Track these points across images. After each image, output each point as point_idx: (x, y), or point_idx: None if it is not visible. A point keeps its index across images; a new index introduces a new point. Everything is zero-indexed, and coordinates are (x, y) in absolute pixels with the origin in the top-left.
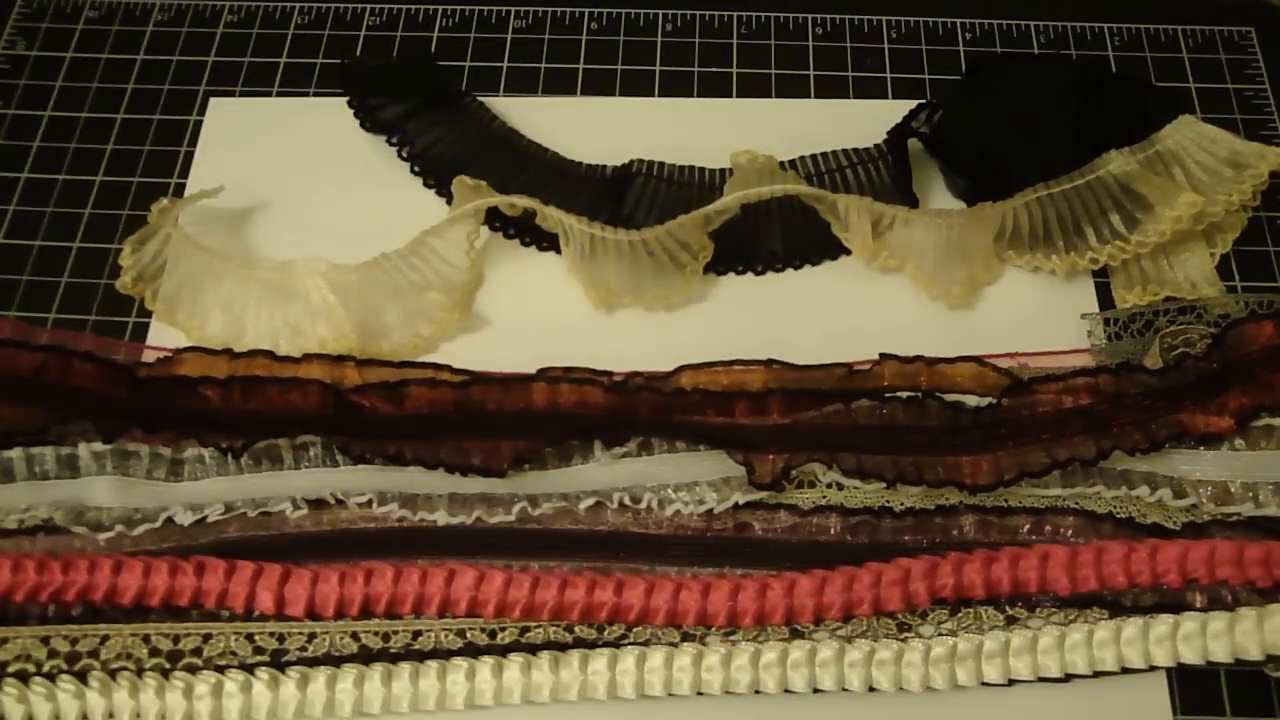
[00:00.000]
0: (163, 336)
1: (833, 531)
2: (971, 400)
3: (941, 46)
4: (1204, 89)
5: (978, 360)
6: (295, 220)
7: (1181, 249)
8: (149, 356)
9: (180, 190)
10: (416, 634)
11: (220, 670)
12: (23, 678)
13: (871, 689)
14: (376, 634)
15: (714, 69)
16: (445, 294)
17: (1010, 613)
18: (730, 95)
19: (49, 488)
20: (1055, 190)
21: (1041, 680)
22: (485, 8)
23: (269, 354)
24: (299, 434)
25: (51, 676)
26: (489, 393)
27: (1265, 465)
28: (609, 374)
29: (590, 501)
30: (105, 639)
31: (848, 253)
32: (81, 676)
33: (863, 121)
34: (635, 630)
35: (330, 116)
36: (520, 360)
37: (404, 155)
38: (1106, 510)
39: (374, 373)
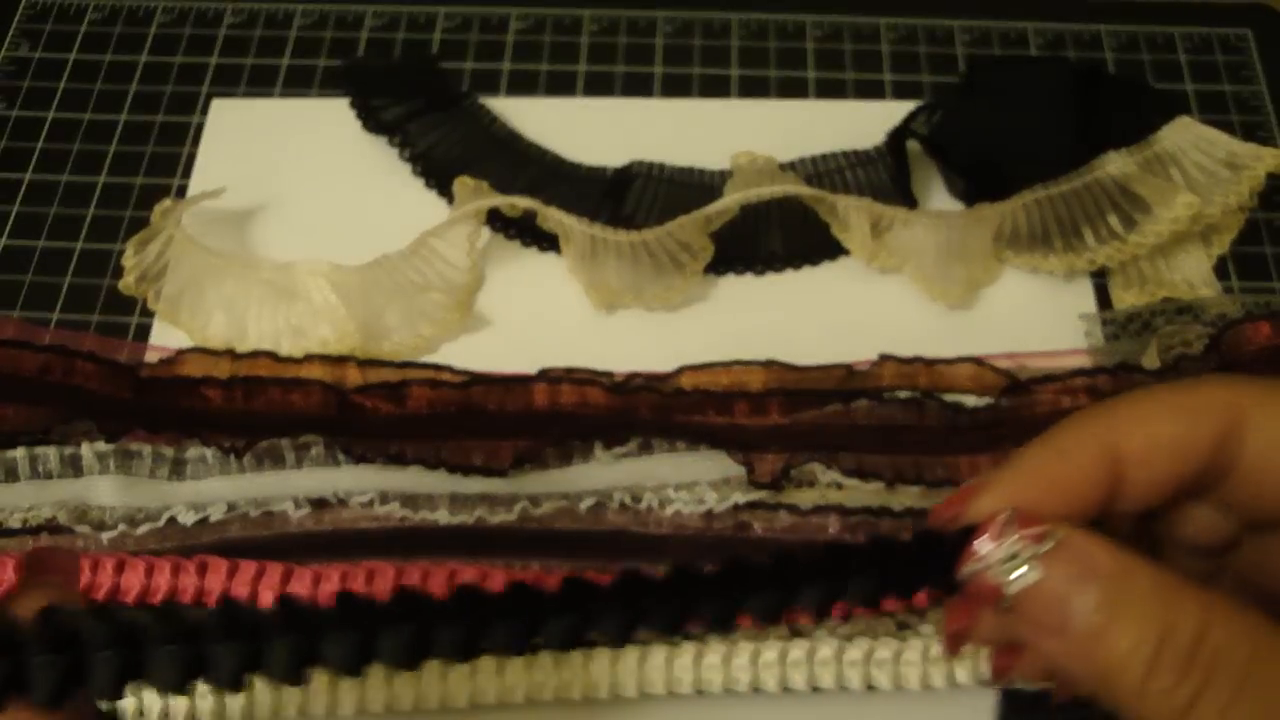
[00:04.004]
0: (165, 337)
1: (832, 531)
2: (970, 400)
3: (940, 49)
4: (1201, 90)
5: (977, 361)
6: (297, 221)
7: (1179, 250)
8: (151, 357)
9: (183, 191)
10: None
11: None
12: None
13: (870, 687)
14: None
15: (714, 70)
16: (446, 294)
17: None
18: (730, 96)
19: (52, 487)
20: (1054, 191)
21: None
22: (486, 10)
23: (271, 354)
24: (301, 434)
25: None
26: (490, 393)
27: None
28: (609, 374)
29: (591, 501)
30: None
31: (847, 253)
32: None
33: (862, 123)
34: None
35: (332, 118)
36: (521, 360)
37: (405, 156)
38: None
39: (375, 373)
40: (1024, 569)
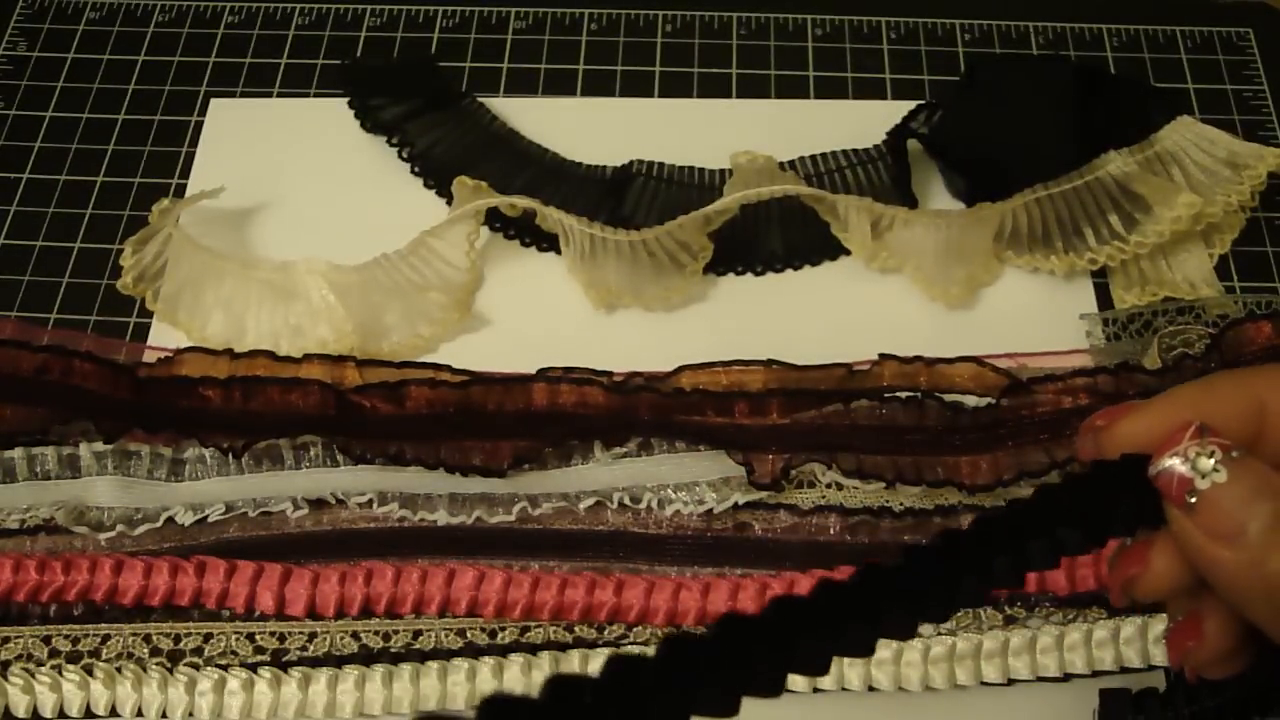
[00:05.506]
0: (164, 337)
1: (832, 531)
2: (971, 400)
3: (941, 48)
4: (1202, 90)
5: (977, 360)
6: (296, 220)
7: (1180, 249)
8: (150, 357)
9: (181, 191)
10: (417, 634)
11: (223, 669)
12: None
13: (871, 688)
14: (377, 634)
15: (714, 70)
16: (445, 294)
17: (1009, 612)
18: (730, 96)
19: (50, 488)
20: (1054, 191)
21: (1040, 680)
22: (485, 9)
23: (269, 354)
24: (300, 434)
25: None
26: (489, 393)
27: None
28: (609, 374)
29: (590, 501)
30: (106, 638)
31: (848, 253)
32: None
33: (862, 122)
34: (635, 630)
35: (331, 117)
36: (520, 360)
37: (404, 156)
38: None
39: (374, 373)
40: (1214, 467)
